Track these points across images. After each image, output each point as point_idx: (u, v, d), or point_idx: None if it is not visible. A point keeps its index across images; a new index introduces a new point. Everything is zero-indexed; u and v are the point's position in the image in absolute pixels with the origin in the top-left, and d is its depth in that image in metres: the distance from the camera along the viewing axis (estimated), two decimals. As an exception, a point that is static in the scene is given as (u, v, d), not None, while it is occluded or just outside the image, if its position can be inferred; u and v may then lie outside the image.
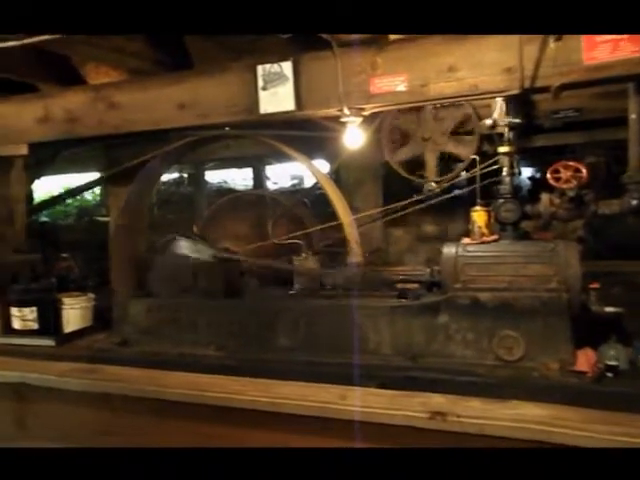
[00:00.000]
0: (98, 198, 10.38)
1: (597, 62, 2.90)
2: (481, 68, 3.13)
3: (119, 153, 5.67)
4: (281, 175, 10.78)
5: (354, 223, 3.94)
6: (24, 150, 4.75)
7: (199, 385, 2.56)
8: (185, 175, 9.45)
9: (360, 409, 2.17)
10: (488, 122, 3.10)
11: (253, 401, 2.32)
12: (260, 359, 3.38)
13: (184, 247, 3.90)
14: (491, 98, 3.11)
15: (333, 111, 3.57)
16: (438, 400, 2.21)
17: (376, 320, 3.19)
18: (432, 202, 3.64)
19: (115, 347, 3.87)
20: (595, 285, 2.90)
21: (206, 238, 4.09)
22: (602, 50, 2.89)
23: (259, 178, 8.84)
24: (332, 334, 3.31)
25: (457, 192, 3.72)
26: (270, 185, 10.01)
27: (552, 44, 2.97)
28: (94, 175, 8.00)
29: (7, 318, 4.42)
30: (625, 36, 2.82)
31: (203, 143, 4.51)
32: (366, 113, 3.54)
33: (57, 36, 3.42)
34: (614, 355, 2.69)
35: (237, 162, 8.61)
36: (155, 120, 4.10)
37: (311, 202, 5.36)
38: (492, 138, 3.55)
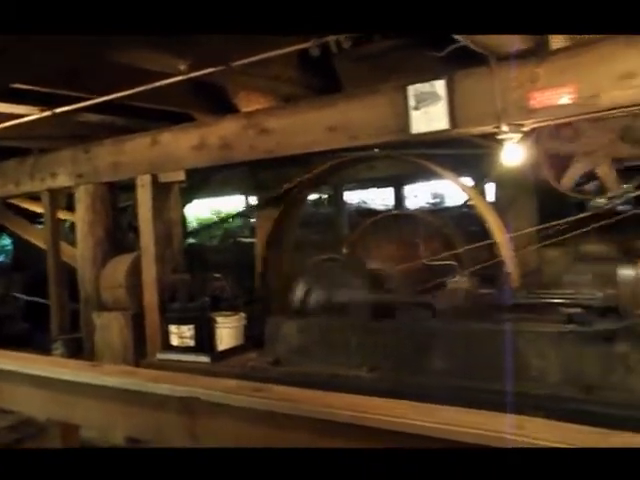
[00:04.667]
0: (240, 220, 10.86)
1: None
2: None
3: (265, 176, 5.88)
4: (421, 194, 10.69)
5: (510, 243, 3.76)
6: (182, 176, 5.04)
7: (361, 407, 2.51)
8: (324, 196, 9.64)
9: (541, 442, 2.01)
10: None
11: (424, 427, 2.24)
12: (414, 382, 3.30)
13: (334, 268, 3.92)
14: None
15: (489, 128, 3.45)
16: (643, 442, 1.96)
17: (541, 346, 3.00)
18: (609, 221, 3.37)
19: (268, 366, 3.97)
20: None
21: (355, 258, 4.09)
22: None
23: (400, 197, 8.81)
24: (491, 359, 3.16)
25: (630, 210, 3.43)
26: (411, 204, 9.95)
27: None
28: (240, 198, 8.39)
29: (166, 335, 4.69)
30: None
31: (350, 165, 4.55)
32: (525, 129, 3.39)
33: (221, 68, 3.62)
34: None
35: (378, 182, 8.65)
36: (306, 143, 4.18)
37: (454, 221, 5.22)
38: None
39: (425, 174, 6.50)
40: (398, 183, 8.65)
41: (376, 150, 4.20)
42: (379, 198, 10.88)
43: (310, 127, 4.12)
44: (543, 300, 3.56)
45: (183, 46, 3.70)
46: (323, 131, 4.06)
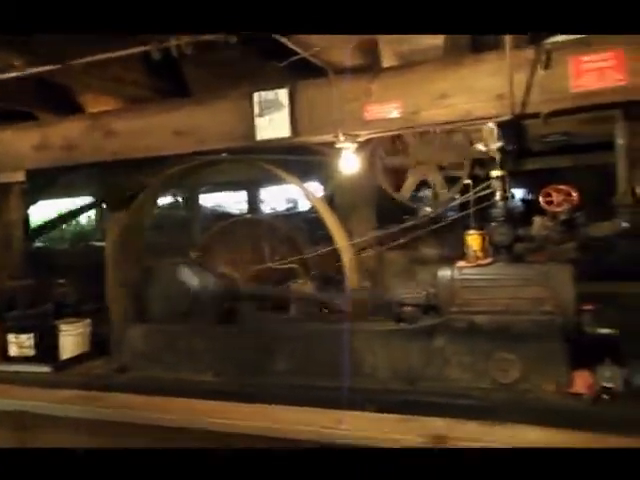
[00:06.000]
0: (93, 223, 10.41)
1: (584, 89, 2.99)
2: (474, 94, 3.22)
3: (115, 178, 5.71)
4: (276, 198, 10.91)
5: (349, 247, 3.98)
6: (21, 177, 4.79)
7: (200, 411, 2.58)
8: (179, 199, 9.51)
9: (358, 433, 2.19)
10: (480, 147, 3.16)
11: (251, 427, 2.35)
12: (258, 384, 3.39)
13: (182, 272, 3.92)
14: (483, 124, 3.17)
15: (328, 137, 3.64)
16: (437, 424, 2.23)
17: (373, 344, 3.21)
18: (430, 228, 3.69)
19: (113, 373, 3.88)
20: (589, 307, 2.94)
21: (203, 263, 4.12)
22: (589, 78, 2.97)
23: (253, 201, 8.94)
24: (329, 358, 3.32)
25: (453, 216, 3.77)
26: (264, 208, 10.12)
27: (541, 71, 3.05)
28: (89, 200, 8.07)
29: (4, 345, 4.42)
30: (611, 64, 2.91)
31: (200, 168, 4.56)
32: (361, 139, 3.61)
33: (57, 66, 3.50)
34: (610, 377, 2.72)
35: (232, 186, 8.71)
36: (152, 147, 4.15)
37: (306, 225, 5.41)
38: (484, 162, 3.62)
39: (275, 179, 6.63)
40: (251, 187, 8.80)
41: (224, 155, 4.26)
42: (235, 201, 10.96)
43: (156, 130, 4.10)
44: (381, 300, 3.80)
45: (18, 42, 3.53)
46: (170, 135, 4.05)
